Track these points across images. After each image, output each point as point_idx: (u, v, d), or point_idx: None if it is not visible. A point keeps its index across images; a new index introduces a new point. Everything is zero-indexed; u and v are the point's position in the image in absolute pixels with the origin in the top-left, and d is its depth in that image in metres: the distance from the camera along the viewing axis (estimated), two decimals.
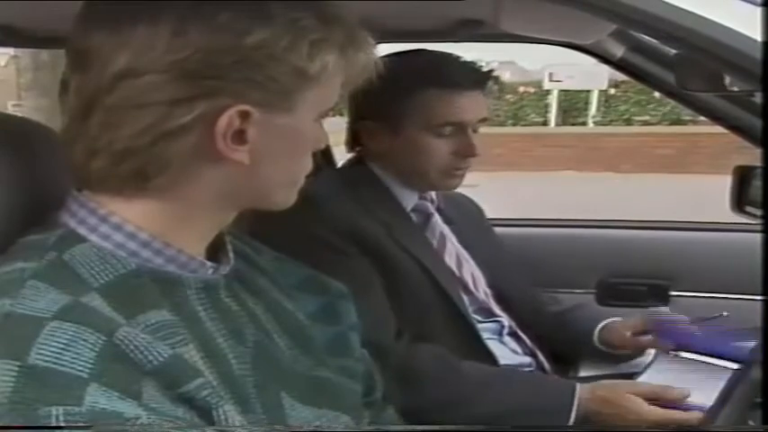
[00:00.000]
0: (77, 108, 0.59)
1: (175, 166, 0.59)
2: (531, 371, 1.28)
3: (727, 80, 1.01)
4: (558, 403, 1.09)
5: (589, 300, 1.68)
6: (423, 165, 1.23)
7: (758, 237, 0.82)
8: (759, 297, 0.84)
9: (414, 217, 1.29)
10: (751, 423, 0.71)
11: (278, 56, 0.58)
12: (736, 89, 1.05)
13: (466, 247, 1.34)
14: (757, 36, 0.60)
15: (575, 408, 1.07)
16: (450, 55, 1.25)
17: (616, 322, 1.31)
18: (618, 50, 1.40)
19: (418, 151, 1.22)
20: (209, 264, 0.65)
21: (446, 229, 1.33)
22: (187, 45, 0.56)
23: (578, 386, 1.10)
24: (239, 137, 0.59)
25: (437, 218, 1.32)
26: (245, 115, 0.59)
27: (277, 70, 0.59)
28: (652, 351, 1.24)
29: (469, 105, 1.21)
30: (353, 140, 1.31)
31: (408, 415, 0.94)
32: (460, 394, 1.10)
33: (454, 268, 1.28)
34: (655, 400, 1.04)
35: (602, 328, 1.30)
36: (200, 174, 0.61)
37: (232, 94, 0.57)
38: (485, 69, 1.26)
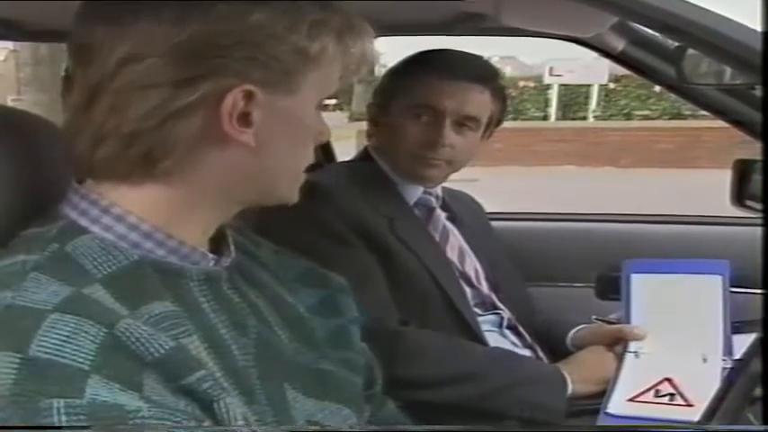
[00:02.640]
0: (82, 98, 0.59)
1: (182, 148, 0.59)
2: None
3: (728, 73, 1.01)
4: (555, 377, 1.14)
5: (588, 295, 1.68)
6: (396, 146, 1.24)
7: (758, 231, 0.82)
8: (759, 291, 0.84)
9: (417, 211, 1.30)
10: (750, 417, 0.71)
11: (279, 35, 0.59)
12: (737, 82, 1.05)
13: (468, 242, 1.35)
14: (758, 27, 0.60)
15: (569, 382, 1.13)
16: (464, 52, 1.25)
17: (587, 326, 1.31)
18: (618, 44, 1.40)
19: (395, 132, 1.24)
20: (210, 256, 0.66)
21: (449, 224, 1.34)
22: (188, 28, 0.57)
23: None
24: (245, 119, 0.60)
25: (440, 212, 1.33)
26: (249, 96, 0.59)
27: (278, 49, 0.60)
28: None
29: (454, 94, 1.20)
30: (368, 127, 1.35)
31: (420, 391, 1.01)
32: (471, 367, 1.13)
33: (456, 262, 1.29)
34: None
35: (576, 332, 1.30)
36: (206, 158, 0.61)
37: (235, 73, 0.58)
38: (487, 65, 1.26)
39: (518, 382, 1.13)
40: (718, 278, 1.13)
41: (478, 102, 1.22)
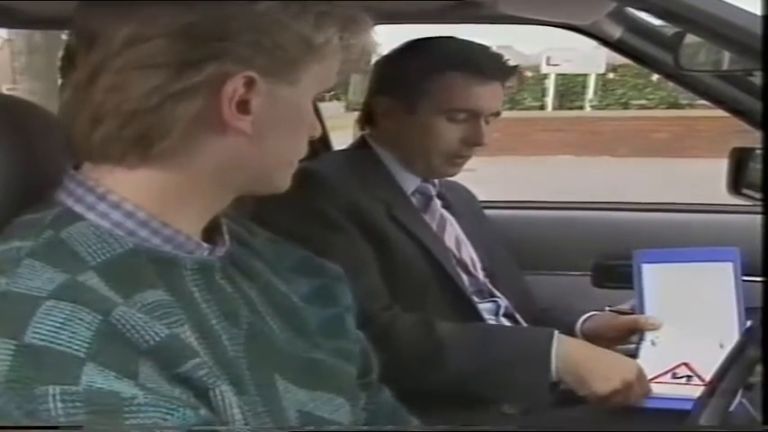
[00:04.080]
0: (83, 76, 0.59)
1: (179, 130, 0.59)
2: (511, 326, 1.28)
3: (726, 60, 1.01)
4: (537, 350, 1.09)
5: (584, 283, 1.68)
6: (430, 147, 1.24)
7: (756, 218, 0.82)
8: (757, 279, 0.84)
9: (414, 199, 1.30)
10: (744, 402, 0.71)
11: (285, 22, 0.60)
12: (735, 68, 1.05)
13: (464, 231, 1.35)
14: (757, 11, 0.60)
15: (554, 354, 1.07)
16: (478, 44, 1.26)
17: (598, 314, 1.30)
18: (615, 31, 1.39)
19: (428, 133, 1.23)
20: (205, 245, 0.65)
21: (446, 213, 1.34)
22: (197, 9, 0.57)
23: (556, 333, 1.10)
24: (244, 106, 0.60)
25: (437, 201, 1.33)
26: (250, 83, 0.59)
27: (284, 36, 0.60)
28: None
29: (488, 95, 1.23)
30: (367, 117, 1.32)
31: (390, 382, 0.93)
32: (434, 354, 1.10)
33: (454, 250, 1.30)
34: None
35: (585, 320, 1.29)
36: (202, 143, 0.61)
37: (239, 59, 0.59)
38: (510, 63, 1.26)
39: (491, 362, 1.10)
40: (729, 265, 1.14)
41: (501, 97, 1.26)
